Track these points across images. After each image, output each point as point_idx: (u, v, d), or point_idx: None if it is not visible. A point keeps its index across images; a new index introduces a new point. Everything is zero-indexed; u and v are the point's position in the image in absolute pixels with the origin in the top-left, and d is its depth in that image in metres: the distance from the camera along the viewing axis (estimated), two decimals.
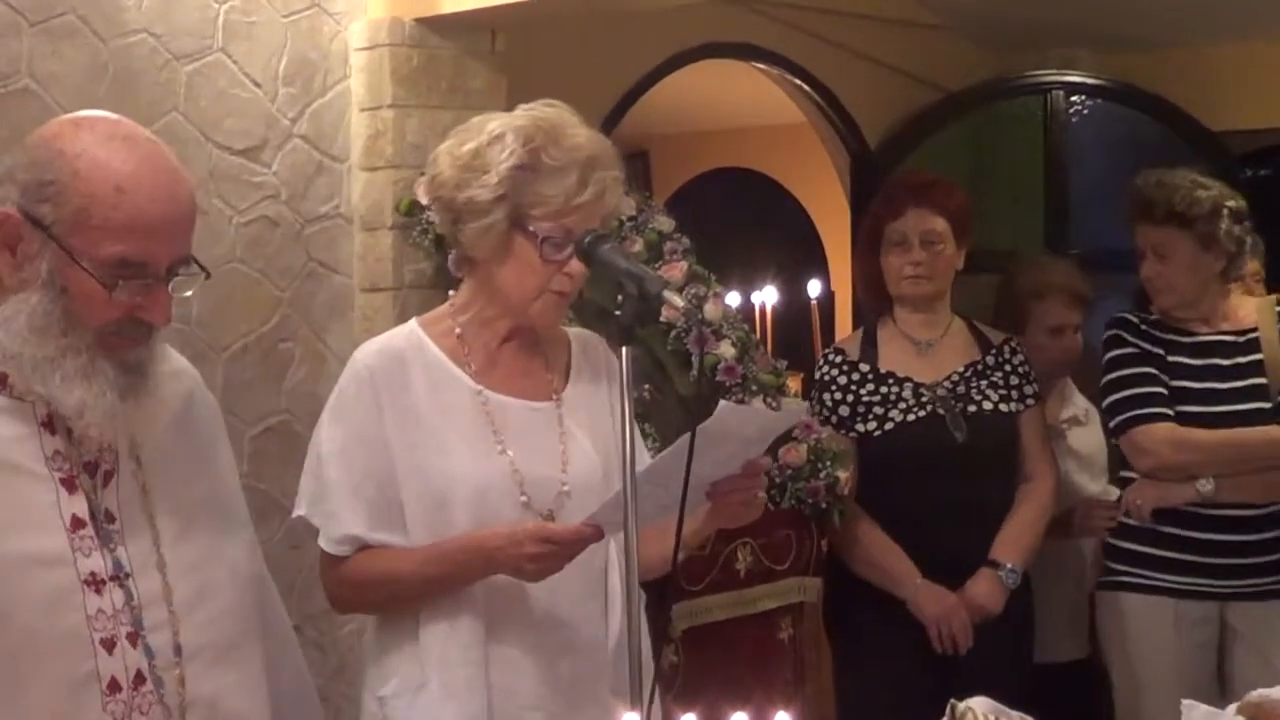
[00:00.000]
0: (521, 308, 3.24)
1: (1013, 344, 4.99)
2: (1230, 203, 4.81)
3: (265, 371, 4.92)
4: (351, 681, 4.91)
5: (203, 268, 2.55)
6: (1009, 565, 4.73)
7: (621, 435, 2.95)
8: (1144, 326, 4.91)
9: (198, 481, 2.70)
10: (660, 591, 3.56)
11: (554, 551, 3.06)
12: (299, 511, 3.28)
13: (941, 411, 4.84)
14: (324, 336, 5.03)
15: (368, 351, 3.29)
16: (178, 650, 2.55)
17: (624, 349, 2.96)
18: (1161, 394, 4.80)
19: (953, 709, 2.57)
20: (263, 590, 2.84)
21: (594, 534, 3.08)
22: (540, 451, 3.25)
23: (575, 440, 3.29)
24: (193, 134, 4.72)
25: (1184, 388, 4.81)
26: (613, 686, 3.20)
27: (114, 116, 2.55)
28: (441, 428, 3.21)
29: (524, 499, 3.20)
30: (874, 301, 5.06)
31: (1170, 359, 4.85)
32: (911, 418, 4.84)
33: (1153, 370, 4.83)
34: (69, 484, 2.50)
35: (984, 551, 4.75)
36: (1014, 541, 4.78)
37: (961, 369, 4.91)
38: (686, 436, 2.90)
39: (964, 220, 4.93)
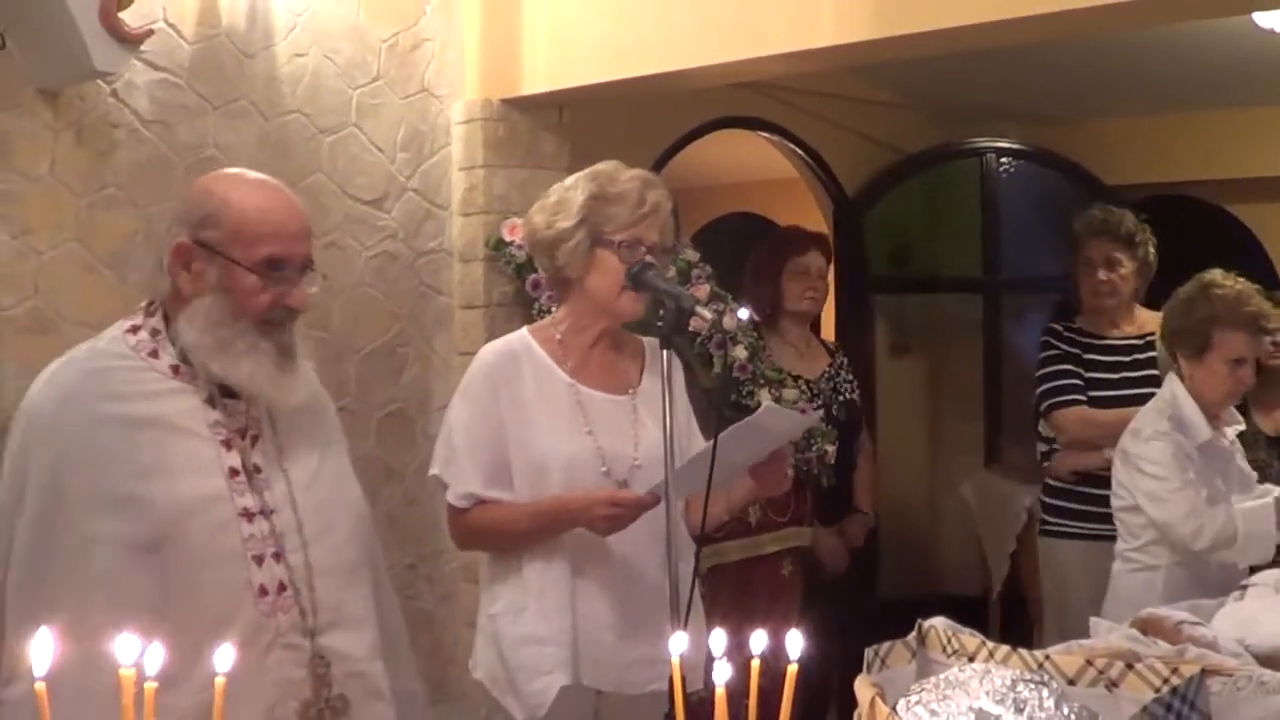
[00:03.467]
0: (610, 304, 3.26)
1: (841, 354, 5.38)
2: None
3: (387, 370, 4.94)
4: (454, 607, 4.96)
5: (317, 271, 2.69)
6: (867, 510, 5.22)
7: (662, 418, 2.99)
8: (1067, 333, 4.93)
9: (318, 447, 2.78)
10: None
11: (620, 514, 3.10)
12: (434, 471, 3.31)
13: (824, 400, 5.12)
14: (431, 344, 5.04)
15: (490, 350, 3.33)
16: (308, 567, 2.64)
17: (665, 351, 3.03)
18: (1076, 384, 4.81)
19: (919, 627, 2.45)
20: (370, 531, 2.90)
21: (652, 501, 3.10)
22: (618, 434, 3.28)
23: (645, 426, 3.30)
24: (332, 189, 4.75)
25: (1098, 378, 4.82)
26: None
27: (239, 169, 2.77)
28: (543, 412, 3.24)
29: (604, 469, 3.23)
30: (767, 314, 5.30)
31: (1086, 357, 4.86)
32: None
33: (1070, 366, 4.84)
34: (227, 444, 2.60)
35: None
36: (867, 493, 5.27)
37: (825, 369, 5.21)
38: (724, 433, 2.94)
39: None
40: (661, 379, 3.32)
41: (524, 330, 3.40)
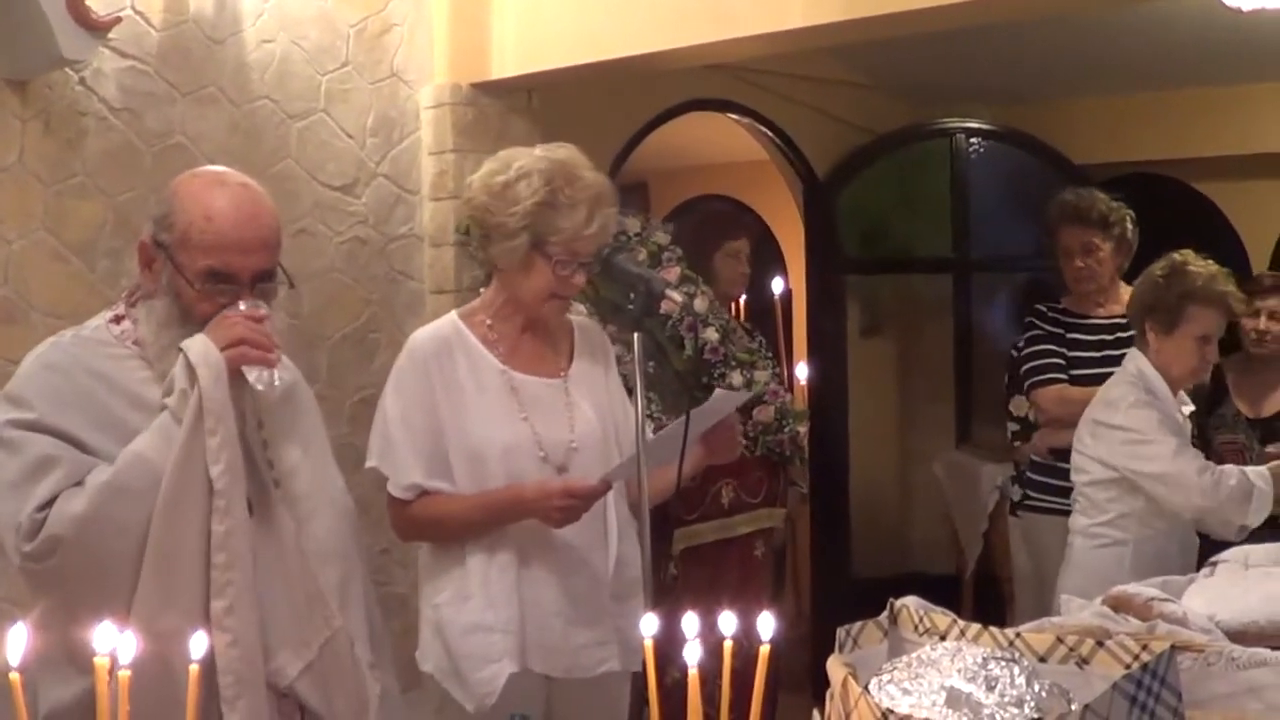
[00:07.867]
0: (535, 309, 3.21)
1: (759, 335, 5.28)
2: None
3: (358, 356, 4.94)
4: None
5: (289, 279, 2.61)
6: None
7: (636, 403, 3.00)
8: (1051, 313, 4.96)
9: (298, 441, 2.74)
10: (662, 519, 3.58)
11: (575, 504, 3.07)
12: (371, 463, 3.24)
13: None
14: (403, 329, 4.95)
15: (421, 337, 3.25)
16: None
17: (636, 335, 3.01)
18: (1058, 363, 4.84)
19: (891, 606, 2.42)
20: (354, 526, 2.86)
21: (606, 488, 3.10)
22: (553, 418, 3.22)
23: (579, 409, 3.25)
24: (302, 175, 4.74)
25: (1081, 357, 4.84)
26: (612, 593, 3.23)
27: (221, 169, 2.65)
28: (477, 399, 3.18)
29: (542, 454, 3.18)
30: None
31: (1070, 336, 4.88)
32: None
33: (1053, 346, 4.87)
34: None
35: None
36: None
37: None
38: (685, 416, 3.00)
39: None
40: (596, 361, 3.35)
41: (453, 315, 3.31)
